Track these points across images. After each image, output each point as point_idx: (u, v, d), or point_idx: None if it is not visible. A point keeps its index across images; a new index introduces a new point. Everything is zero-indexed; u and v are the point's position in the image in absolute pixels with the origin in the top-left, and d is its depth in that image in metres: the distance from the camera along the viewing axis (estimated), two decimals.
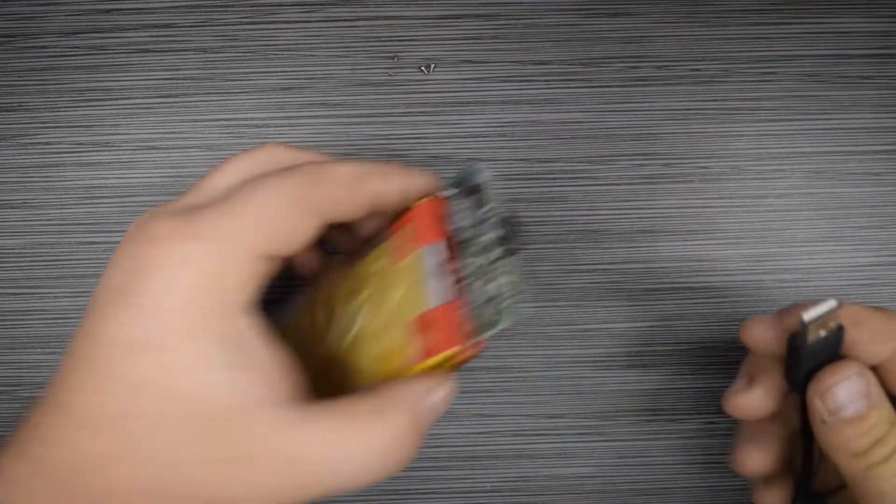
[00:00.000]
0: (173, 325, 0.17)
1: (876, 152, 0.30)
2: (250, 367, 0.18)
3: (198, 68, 0.30)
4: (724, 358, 0.30)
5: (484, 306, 0.20)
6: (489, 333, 0.19)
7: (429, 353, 0.20)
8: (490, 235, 0.21)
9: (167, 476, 0.17)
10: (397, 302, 0.22)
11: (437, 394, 0.20)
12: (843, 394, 0.20)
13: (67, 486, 0.17)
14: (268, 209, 0.18)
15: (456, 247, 0.22)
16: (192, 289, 0.17)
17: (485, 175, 0.22)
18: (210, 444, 0.17)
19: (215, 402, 0.17)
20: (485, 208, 0.21)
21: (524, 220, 0.23)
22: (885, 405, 0.20)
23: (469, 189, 0.22)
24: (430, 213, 0.22)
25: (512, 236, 0.21)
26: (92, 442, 0.17)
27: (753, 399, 0.23)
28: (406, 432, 0.19)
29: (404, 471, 0.29)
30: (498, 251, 0.21)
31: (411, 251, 0.22)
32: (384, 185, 0.21)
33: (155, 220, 0.18)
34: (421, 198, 0.23)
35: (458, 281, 0.21)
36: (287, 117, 0.30)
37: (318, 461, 0.18)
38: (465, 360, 0.20)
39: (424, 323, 0.20)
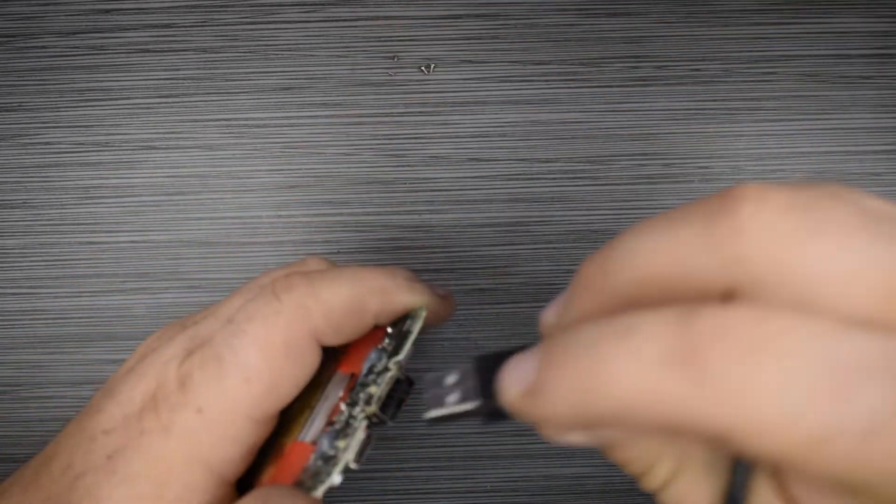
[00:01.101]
0: (138, 491, 0.17)
1: (876, 152, 0.30)
2: None
3: (198, 68, 0.30)
4: None
5: (319, 462, 0.18)
6: (310, 490, 0.17)
7: (258, 484, 0.19)
8: (372, 390, 0.19)
9: None
10: (290, 427, 0.20)
11: None
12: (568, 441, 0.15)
13: None
14: (256, 370, 0.17)
15: (353, 387, 0.20)
16: (165, 461, 0.17)
17: (416, 324, 0.20)
18: None
19: None
20: (392, 360, 0.19)
21: (416, 390, 0.20)
22: (633, 451, 0.15)
23: (401, 331, 0.20)
24: (367, 341, 0.21)
25: (391, 402, 0.19)
26: None
27: None
28: None
29: (404, 471, 0.29)
30: (362, 412, 0.18)
31: (334, 372, 0.21)
32: (388, 306, 0.19)
33: (160, 366, 0.18)
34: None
35: (329, 423, 0.19)
36: (287, 117, 0.30)
37: None
38: None
39: (284, 453, 0.19)
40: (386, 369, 0.19)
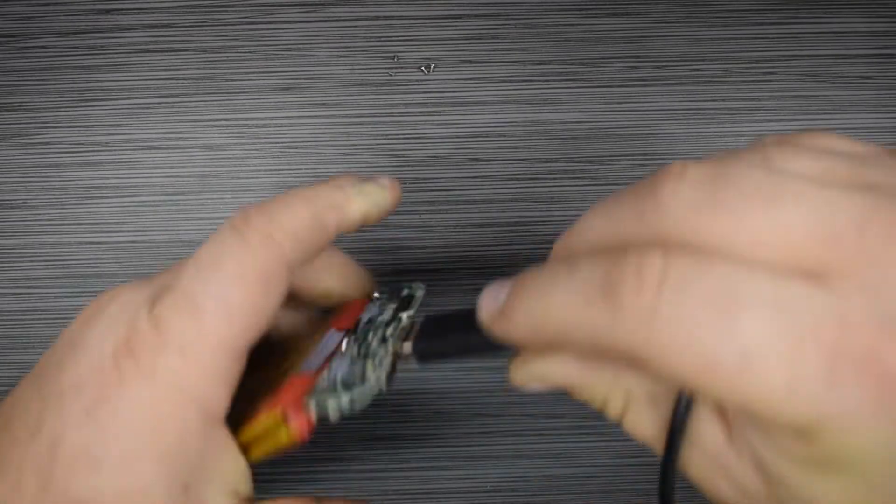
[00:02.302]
0: (132, 443, 0.16)
1: None
2: (205, 482, 0.17)
3: (198, 68, 0.30)
4: None
5: (325, 391, 0.18)
6: (312, 416, 0.18)
7: (257, 414, 0.18)
8: (384, 330, 0.20)
9: None
10: (285, 369, 0.21)
11: None
12: (533, 389, 0.19)
13: None
14: (234, 303, 0.17)
15: (352, 333, 0.21)
16: (155, 407, 0.16)
17: (420, 292, 0.22)
18: None
19: None
20: (405, 312, 0.21)
21: (432, 346, 0.20)
22: (586, 391, 0.18)
23: (400, 297, 0.22)
24: (356, 308, 0.22)
25: (408, 342, 0.20)
26: None
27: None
28: None
29: (404, 471, 0.29)
30: (381, 348, 0.20)
31: (323, 333, 0.21)
32: (342, 215, 0.19)
33: (127, 313, 0.17)
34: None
35: (329, 358, 0.20)
36: (287, 117, 0.30)
37: None
38: (286, 445, 0.18)
39: (282, 387, 0.19)
40: (400, 318, 0.21)
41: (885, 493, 0.12)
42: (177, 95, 0.30)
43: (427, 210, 0.30)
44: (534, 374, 0.18)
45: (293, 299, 0.22)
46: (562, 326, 0.14)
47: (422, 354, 0.20)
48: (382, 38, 0.30)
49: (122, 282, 0.28)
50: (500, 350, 0.18)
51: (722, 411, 0.15)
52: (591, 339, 0.13)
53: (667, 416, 0.16)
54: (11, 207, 0.30)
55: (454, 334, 0.19)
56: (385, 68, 0.30)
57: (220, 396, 0.17)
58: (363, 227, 0.20)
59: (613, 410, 0.17)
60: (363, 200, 0.20)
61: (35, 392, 0.17)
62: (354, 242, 0.29)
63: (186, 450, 0.17)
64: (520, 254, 0.30)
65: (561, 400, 0.30)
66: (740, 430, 0.15)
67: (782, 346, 0.11)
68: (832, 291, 0.11)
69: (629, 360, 0.13)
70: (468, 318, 0.18)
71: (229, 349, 0.17)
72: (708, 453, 0.15)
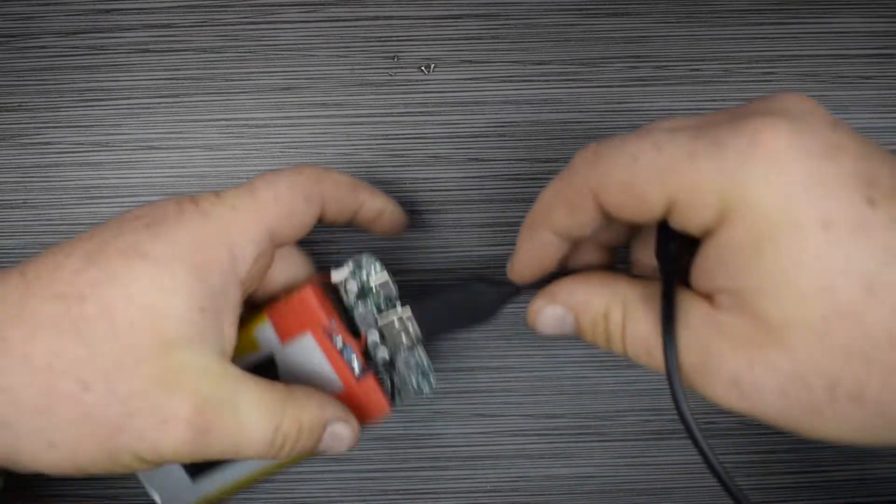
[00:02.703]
0: (176, 251, 0.20)
1: None
2: (216, 313, 0.21)
3: (198, 68, 0.30)
4: None
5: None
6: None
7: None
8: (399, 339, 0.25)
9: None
10: None
11: (339, 427, 0.23)
12: (547, 323, 0.22)
13: None
14: (282, 194, 0.22)
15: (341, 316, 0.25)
16: (200, 237, 0.21)
17: (375, 276, 0.25)
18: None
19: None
20: (395, 314, 0.25)
21: (438, 328, 0.25)
22: (591, 307, 0.21)
23: (358, 280, 0.25)
24: (317, 297, 0.24)
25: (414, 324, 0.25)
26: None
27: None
28: (294, 442, 0.22)
29: (404, 471, 0.29)
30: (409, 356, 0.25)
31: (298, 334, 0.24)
32: (371, 199, 0.25)
33: (197, 194, 0.22)
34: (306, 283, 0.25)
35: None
36: (287, 117, 0.30)
37: (232, 399, 0.20)
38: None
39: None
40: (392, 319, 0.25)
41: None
42: (177, 95, 0.30)
43: (427, 210, 0.30)
44: (548, 308, 0.22)
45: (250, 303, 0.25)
46: (547, 205, 0.20)
47: (428, 336, 0.25)
48: (382, 38, 0.30)
49: None
50: (489, 315, 0.24)
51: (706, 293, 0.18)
52: (571, 198, 0.19)
53: (658, 310, 0.19)
54: (11, 207, 0.30)
55: (453, 313, 0.24)
56: (385, 68, 0.30)
57: (247, 256, 0.21)
58: (371, 226, 0.26)
59: (615, 325, 0.20)
60: (384, 204, 0.25)
61: (86, 237, 0.21)
62: (355, 243, 0.29)
63: (211, 279, 0.20)
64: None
65: (561, 400, 0.30)
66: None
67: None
68: None
69: (599, 202, 0.19)
70: (458, 294, 0.24)
71: (265, 225, 0.22)
72: (699, 332, 0.18)
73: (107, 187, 0.30)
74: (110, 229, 0.21)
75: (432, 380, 0.25)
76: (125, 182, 0.30)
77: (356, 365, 0.24)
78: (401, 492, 0.29)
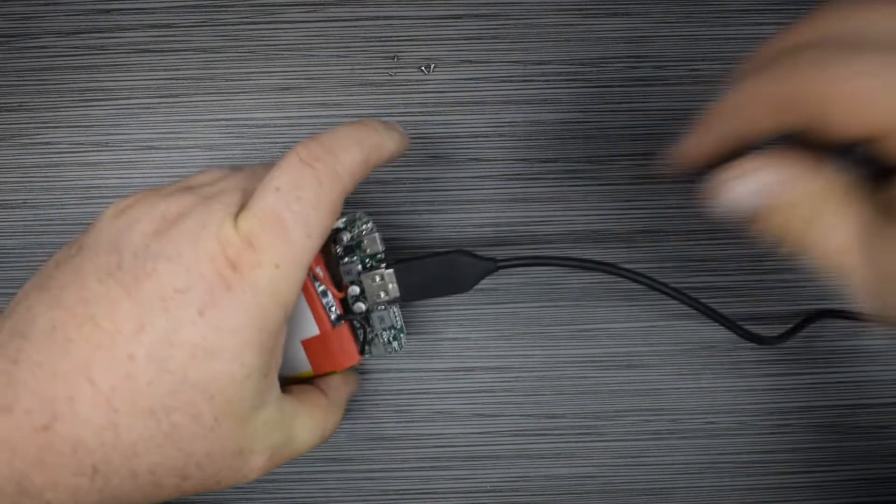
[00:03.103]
0: (242, 338, 0.20)
1: None
2: (275, 366, 0.21)
3: (198, 68, 0.30)
4: (724, 358, 0.30)
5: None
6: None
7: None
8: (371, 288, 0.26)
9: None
10: None
11: (355, 390, 0.27)
12: (735, 196, 0.21)
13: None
14: (314, 226, 0.21)
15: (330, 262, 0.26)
16: (258, 310, 0.20)
17: (368, 235, 0.26)
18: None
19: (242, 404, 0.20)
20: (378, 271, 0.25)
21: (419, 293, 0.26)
22: (798, 192, 0.20)
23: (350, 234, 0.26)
24: None
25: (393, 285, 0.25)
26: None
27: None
28: (335, 428, 0.25)
29: (404, 471, 0.29)
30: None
31: None
32: (380, 158, 0.23)
33: (209, 228, 0.20)
34: None
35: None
36: (287, 117, 0.30)
37: (290, 432, 0.23)
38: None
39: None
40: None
41: None
42: (177, 95, 0.30)
43: (427, 210, 0.30)
44: (739, 182, 0.20)
45: None
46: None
47: (406, 298, 0.25)
48: (382, 38, 0.30)
49: None
50: (467, 287, 0.25)
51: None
52: (786, 99, 0.18)
53: (863, 211, 0.18)
54: (11, 207, 0.29)
55: (434, 280, 0.25)
56: (385, 68, 0.30)
57: (295, 298, 0.21)
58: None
59: (807, 215, 0.19)
60: (392, 143, 0.23)
61: (122, 293, 0.19)
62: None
63: (273, 344, 0.20)
64: (520, 254, 0.30)
65: (561, 400, 0.30)
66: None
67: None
68: None
69: (813, 115, 0.17)
70: (440, 263, 0.25)
71: (306, 263, 0.21)
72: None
73: (107, 187, 0.30)
74: (155, 313, 0.19)
75: (403, 340, 0.26)
76: (125, 182, 0.30)
77: (334, 313, 0.25)
78: (401, 492, 0.29)
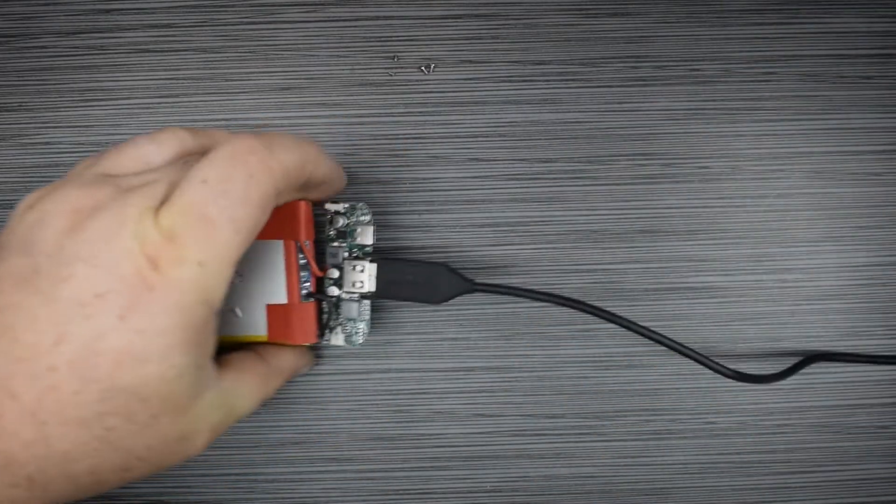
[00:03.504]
0: (168, 340, 0.19)
1: (876, 152, 0.30)
2: (207, 357, 0.21)
3: (198, 68, 0.30)
4: (724, 358, 0.30)
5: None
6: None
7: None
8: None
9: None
10: None
11: (302, 368, 0.28)
12: None
13: None
14: (242, 221, 0.20)
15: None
16: (182, 310, 0.19)
17: (362, 227, 0.27)
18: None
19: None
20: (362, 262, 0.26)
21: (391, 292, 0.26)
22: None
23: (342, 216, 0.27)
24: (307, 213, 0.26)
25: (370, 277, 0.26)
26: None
27: None
28: (274, 392, 0.25)
29: (404, 471, 0.29)
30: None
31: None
32: (314, 172, 0.23)
33: (126, 226, 0.19)
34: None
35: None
36: (287, 117, 0.30)
37: (231, 404, 0.23)
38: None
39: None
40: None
41: None
42: (177, 95, 0.30)
43: (427, 210, 0.30)
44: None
45: None
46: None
47: (380, 295, 0.26)
48: (382, 38, 0.30)
49: None
50: (440, 300, 0.26)
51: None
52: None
53: None
54: (12, 207, 0.29)
55: (411, 285, 0.26)
56: (385, 68, 0.30)
57: (223, 295, 0.20)
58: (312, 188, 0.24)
59: None
60: (328, 168, 0.23)
61: (39, 301, 0.18)
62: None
63: (201, 339, 0.20)
64: (520, 254, 0.30)
65: (561, 400, 0.30)
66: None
67: None
68: None
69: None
70: (423, 270, 0.26)
71: (234, 259, 0.20)
72: None
73: None
74: (75, 321, 0.18)
75: (365, 334, 0.27)
76: None
77: (306, 288, 0.26)
78: (401, 492, 0.29)
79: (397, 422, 0.30)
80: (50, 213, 0.19)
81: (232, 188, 0.19)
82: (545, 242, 0.30)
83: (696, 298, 0.30)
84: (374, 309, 0.29)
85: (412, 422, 0.30)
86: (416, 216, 0.30)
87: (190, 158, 0.22)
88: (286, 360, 0.26)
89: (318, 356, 0.29)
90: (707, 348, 0.30)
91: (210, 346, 0.21)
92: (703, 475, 0.30)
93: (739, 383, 0.30)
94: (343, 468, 0.29)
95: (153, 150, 0.22)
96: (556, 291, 0.29)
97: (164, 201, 0.19)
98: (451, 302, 0.29)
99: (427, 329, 0.30)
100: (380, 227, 0.29)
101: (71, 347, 0.18)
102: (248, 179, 0.20)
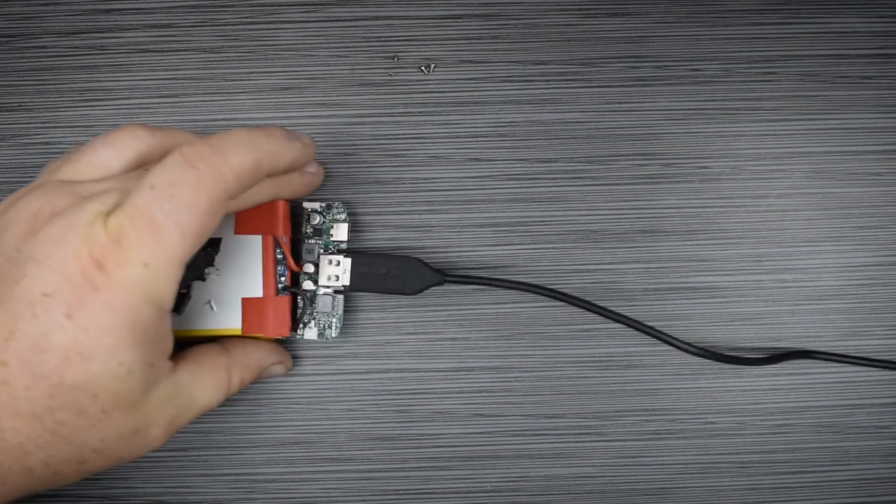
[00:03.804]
0: (115, 337, 0.20)
1: (876, 152, 0.30)
2: (159, 354, 0.22)
3: (198, 68, 0.30)
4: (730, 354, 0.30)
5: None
6: None
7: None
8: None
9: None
10: None
11: (275, 368, 0.28)
12: None
13: None
14: (188, 224, 0.20)
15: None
16: (128, 308, 0.20)
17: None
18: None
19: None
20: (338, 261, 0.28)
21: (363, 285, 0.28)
22: None
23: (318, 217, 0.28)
24: (284, 211, 0.27)
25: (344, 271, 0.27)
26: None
27: None
28: (239, 386, 0.26)
29: (404, 471, 0.29)
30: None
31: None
32: (274, 165, 0.23)
33: (77, 229, 0.20)
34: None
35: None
36: (287, 117, 0.30)
37: (189, 397, 0.23)
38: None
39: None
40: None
41: None
42: (177, 95, 0.30)
43: (427, 210, 0.30)
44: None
45: None
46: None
47: (354, 289, 0.28)
48: (382, 38, 0.30)
49: None
50: (412, 291, 0.27)
51: None
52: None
53: None
54: None
55: (384, 278, 0.27)
56: (385, 68, 0.30)
57: (171, 295, 0.21)
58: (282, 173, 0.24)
59: None
60: (291, 153, 0.23)
61: None
62: (355, 243, 0.29)
63: (151, 337, 0.21)
64: (520, 254, 0.30)
65: (561, 400, 0.30)
66: None
67: None
68: None
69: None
70: (396, 263, 0.27)
71: (181, 261, 0.20)
72: None
73: None
74: (25, 319, 0.19)
75: (338, 329, 0.28)
76: None
77: (282, 282, 0.27)
78: (401, 492, 0.29)
79: (397, 422, 0.30)
80: (13, 221, 0.21)
81: (179, 193, 0.20)
82: (545, 242, 0.30)
83: (696, 298, 0.30)
84: (374, 309, 0.29)
85: (412, 422, 0.30)
86: (416, 216, 0.30)
87: (151, 166, 0.22)
88: (252, 354, 0.26)
89: (318, 357, 0.29)
90: (707, 348, 0.30)
91: (164, 343, 0.22)
92: (703, 475, 0.30)
93: (737, 382, 0.30)
94: (343, 468, 0.29)
95: (111, 156, 0.23)
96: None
97: (117, 202, 0.20)
98: (451, 302, 0.29)
99: (427, 329, 0.30)
100: (380, 227, 0.30)
101: (20, 344, 0.19)
102: (197, 185, 0.20)
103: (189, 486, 0.29)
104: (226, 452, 0.29)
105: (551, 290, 0.27)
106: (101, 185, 0.22)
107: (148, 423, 0.22)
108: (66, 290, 0.19)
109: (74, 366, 0.19)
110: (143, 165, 0.24)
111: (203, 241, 0.21)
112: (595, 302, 0.28)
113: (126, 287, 0.19)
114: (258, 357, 0.27)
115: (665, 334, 0.28)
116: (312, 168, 0.27)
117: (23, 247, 0.20)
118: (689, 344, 0.28)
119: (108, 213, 0.20)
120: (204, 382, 0.24)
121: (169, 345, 0.22)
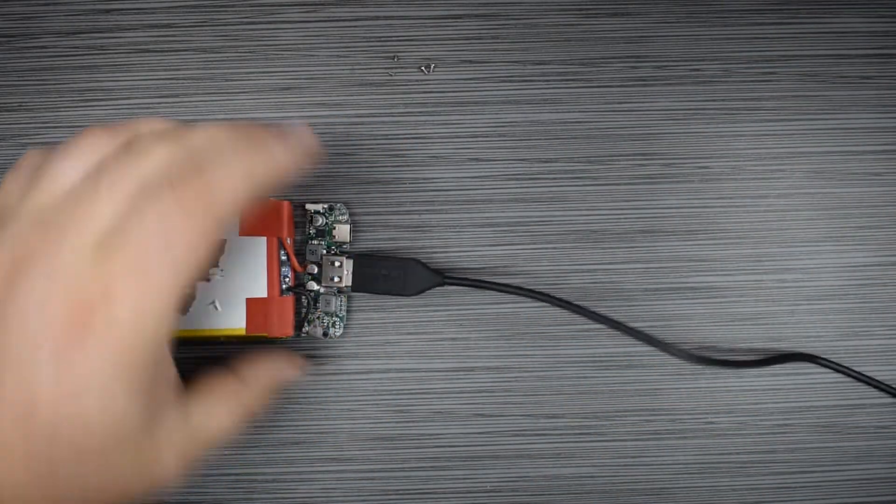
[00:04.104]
0: (107, 380, 0.19)
1: (876, 152, 0.30)
2: (158, 388, 0.21)
3: (198, 68, 0.30)
4: (723, 358, 0.30)
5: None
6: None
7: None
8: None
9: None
10: None
11: (289, 375, 0.27)
12: None
13: None
14: (180, 265, 0.19)
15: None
16: (120, 352, 0.19)
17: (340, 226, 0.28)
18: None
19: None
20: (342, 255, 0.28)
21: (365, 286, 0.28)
22: None
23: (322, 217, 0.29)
24: (287, 211, 0.28)
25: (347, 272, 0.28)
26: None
27: None
28: (257, 408, 0.25)
29: (404, 471, 0.29)
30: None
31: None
32: (268, 177, 0.21)
33: (64, 272, 0.19)
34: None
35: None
36: (287, 117, 0.30)
37: (201, 428, 0.23)
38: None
39: None
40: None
41: None
42: (177, 95, 0.30)
43: (427, 210, 0.30)
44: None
45: None
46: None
47: (355, 289, 0.28)
48: (382, 38, 0.30)
49: None
50: (412, 293, 0.28)
51: None
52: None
53: None
54: None
55: (385, 279, 0.28)
56: (385, 68, 0.30)
57: (168, 329, 0.20)
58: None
59: None
60: (287, 158, 0.22)
61: None
62: (354, 243, 0.29)
63: (149, 376, 0.20)
64: (520, 254, 0.30)
65: (561, 400, 0.30)
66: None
67: None
68: None
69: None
70: (396, 265, 0.28)
71: (174, 298, 0.20)
72: None
73: None
74: (11, 369, 0.19)
75: (342, 329, 0.29)
76: None
77: (286, 283, 0.27)
78: (401, 492, 0.29)
79: (397, 422, 0.30)
80: None
81: (170, 230, 0.19)
82: (545, 242, 0.30)
83: (696, 298, 0.30)
84: (374, 309, 0.29)
85: (412, 422, 0.30)
86: (416, 216, 0.30)
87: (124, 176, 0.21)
88: (266, 375, 0.26)
89: (318, 357, 0.29)
90: (707, 348, 0.30)
91: (165, 377, 0.21)
92: (703, 475, 0.30)
93: (737, 383, 0.30)
94: (343, 468, 0.29)
95: (74, 173, 0.21)
96: (556, 291, 0.29)
97: (102, 233, 0.19)
98: (451, 302, 0.29)
99: (427, 329, 0.30)
100: (380, 227, 0.30)
101: (12, 395, 0.19)
102: (186, 220, 0.19)
103: (189, 486, 0.29)
104: (226, 452, 0.29)
105: (555, 297, 0.28)
106: (78, 211, 0.20)
107: (155, 459, 0.21)
108: (54, 341, 0.19)
109: (69, 411, 0.19)
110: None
111: (195, 273, 0.20)
112: (594, 306, 0.28)
113: (119, 331, 0.19)
114: (273, 377, 0.26)
115: (659, 341, 0.28)
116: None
117: (4, 299, 0.19)
118: (685, 351, 0.28)
119: (93, 246, 0.19)
120: (216, 411, 0.23)
121: (171, 375, 0.22)
